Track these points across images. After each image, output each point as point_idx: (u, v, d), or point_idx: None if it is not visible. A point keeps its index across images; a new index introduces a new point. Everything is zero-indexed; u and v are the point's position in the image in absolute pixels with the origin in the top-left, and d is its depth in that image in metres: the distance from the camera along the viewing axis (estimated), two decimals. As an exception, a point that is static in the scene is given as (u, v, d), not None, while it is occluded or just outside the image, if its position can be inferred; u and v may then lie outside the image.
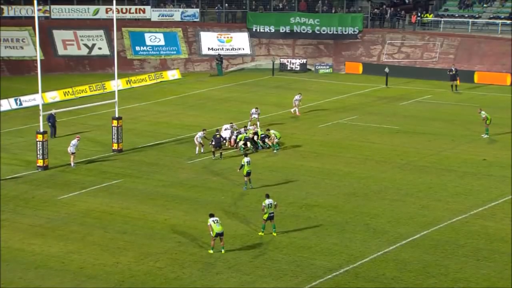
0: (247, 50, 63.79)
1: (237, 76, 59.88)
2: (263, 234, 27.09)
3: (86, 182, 32.88)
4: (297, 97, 45.68)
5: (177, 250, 26.14)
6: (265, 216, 26.98)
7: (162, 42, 62.55)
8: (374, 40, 63.57)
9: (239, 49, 63.58)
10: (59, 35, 60.29)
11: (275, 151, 36.39)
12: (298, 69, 61.43)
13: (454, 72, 54.16)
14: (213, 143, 36.19)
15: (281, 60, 61.92)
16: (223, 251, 25.63)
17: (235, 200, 31.31)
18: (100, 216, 29.21)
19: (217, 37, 63.59)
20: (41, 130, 35.01)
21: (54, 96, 50.29)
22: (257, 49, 63.99)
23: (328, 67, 61.98)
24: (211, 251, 25.68)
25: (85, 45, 60.89)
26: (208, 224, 25.68)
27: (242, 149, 36.84)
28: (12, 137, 40.72)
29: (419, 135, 41.84)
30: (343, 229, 28.12)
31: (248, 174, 31.91)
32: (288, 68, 61.45)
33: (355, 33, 63.83)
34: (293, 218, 29.27)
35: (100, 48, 61.01)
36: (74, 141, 34.76)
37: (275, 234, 27.06)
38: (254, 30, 63.95)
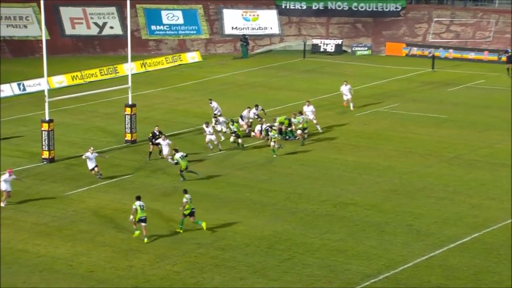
0: (275, 30, 63.70)
1: (263, 59, 59.84)
2: (181, 231, 27.40)
3: (96, 176, 33.13)
4: (344, 87, 43.84)
5: (197, 252, 26.28)
6: (187, 211, 27.38)
7: (181, 21, 62.73)
8: (419, 18, 63.02)
9: (266, 28, 63.51)
10: (67, 13, 60.75)
11: (277, 146, 35.98)
12: (332, 50, 61.21)
13: (510, 53, 53.52)
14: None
15: (314, 40, 61.74)
16: (146, 240, 26.40)
17: (261, 197, 31.37)
18: (111, 214, 29.47)
19: (242, 15, 63.59)
20: (47, 118, 35.37)
21: (61, 80, 50.76)
22: (287, 29, 63.87)
23: (366, 48, 61.64)
24: (136, 233, 26.55)
25: (95, 23, 61.28)
26: (134, 207, 26.52)
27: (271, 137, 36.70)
28: (14, 126, 41.21)
29: (469, 125, 41.47)
30: (382, 231, 28.01)
31: (186, 168, 32.41)
32: (321, 49, 61.26)
33: (398, 10, 63.32)
34: (326, 218, 29.25)
35: (111, 27, 61.37)
36: (5, 176, 29.92)
37: (204, 227, 27.40)
38: (283, 7, 63.80)
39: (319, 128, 39.96)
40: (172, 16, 62.69)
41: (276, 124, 38.31)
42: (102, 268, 24.92)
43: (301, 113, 39.16)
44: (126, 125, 38.37)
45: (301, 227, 28.47)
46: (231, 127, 37.21)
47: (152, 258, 25.68)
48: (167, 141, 34.57)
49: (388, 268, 25.01)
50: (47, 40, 35.15)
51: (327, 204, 30.62)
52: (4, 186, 29.72)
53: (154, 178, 33.43)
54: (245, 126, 39.25)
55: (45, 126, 35.31)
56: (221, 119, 38.69)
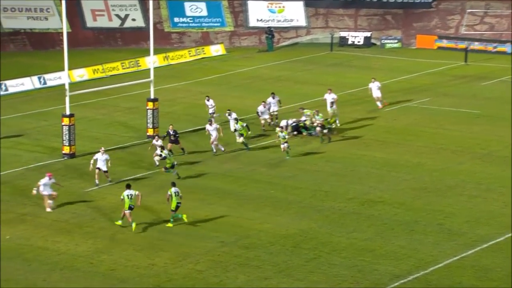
0: (302, 22, 63.51)
1: (289, 52, 59.71)
2: (172, 225, 27.90)
3: (117, 172, 33.31)
4: (372, 85, 43.18)
5: (220, 251, 26.31)
6: (173, 205, 27.93)
7: (205, 13, 62.80)
8: (452, 9, 62.45)
9: (292, 20, 63.36)
10: (88, 5, 61.08)
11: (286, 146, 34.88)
12: (361, 43, 60.89)
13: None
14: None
15: (341, 33, 61.47)
16: (134, 225, 27.30)
17: (286, 195, 31.31)
18: (132, 212, 29.56)
19: (268, 6, 63.48)
20: (67, 112, 35.58)
21: (82, 74, 51.07)
22: (314, 21, 63.65)
23: (396, 41, 61.24)
24: (119, 222, 27.49)
25: (117, 15, 61.56)
26: (121, 198, 27.54)
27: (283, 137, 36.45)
28: (35, 121, 41.54)
29: (503, 121, 41.02)
30: (412, 230, 27.83)
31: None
32: (349, 42, 60.97)
33: (429, 1, 62.82)
34: (354, 216, 29.12)
35: (134, 20, 61.61)
36: (44, 180, 29.57)
37: (184, 218, 27.90)
38: (310, -2, 63.60)
39: (337, 121, 39.68)
40: (195, 8, 62.76)
41: (303, 118, 38.02)
42: (123, 267, 25.03)
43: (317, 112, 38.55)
44: (148, 120, 38.49)
45: (327, 225, 28.37)
46: (236, 126, 36.42)
47: (174, 257, 25.75)
48: (160, 142, 33.65)
49: (418, 268, 24.84)
50: (68, 33, 35.33)
51: (354, 202, 30.48)
52: (44, 190, 29.19)
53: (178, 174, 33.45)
54: (263, 122, 38.53)
55: (65, 121, 35.52)
56: (233, 115, 37.60)
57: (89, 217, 28.98)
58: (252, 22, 63.16)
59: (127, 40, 60.80)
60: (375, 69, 52.80)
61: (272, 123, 39.34)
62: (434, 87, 48.36)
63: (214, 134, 35.76)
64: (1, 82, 47.12)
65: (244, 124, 36.48)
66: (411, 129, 39.96)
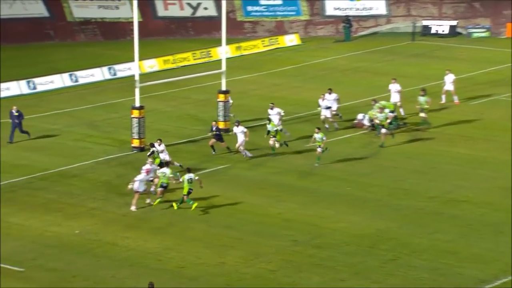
0: (382, 10, 62.82)
1: (368, 42, 59.19)
2: (176, 207, 29.09)
3: (187, 166, 33.59)
4: (447, 78, 42.33)
5: (292, 250, 26.34)
6: (185, 191, 28.89)
7: (279, 1, 62.78)
8: (545, -5, 60.67)
9: (371, 8, 62.73)
10: (160, -7, 61.86)
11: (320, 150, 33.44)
12: (445, 32, 59.86)
13: None
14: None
15: (424, 22, 60.53)
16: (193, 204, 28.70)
17: (362, 192, 31.10)
18: (202, 207, 29.89)
19: (345, -6, 63.05)
20: (137, 104, 36.17)
21: (152, 64, 51.80)
22: (394, 9, 62.87)
23: (484, 30, 59.95)
24: (176, 206, 28.85)
25: (189, 4, 62.14)
26: (181, 180, 28.87)
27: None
28: (104, 112, 42.38)
29: None
30: (499, 232, 27.30)
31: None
32: (433, 31, 60.00)
33: (520, -14, 61.23)
34: (435, 216, 28.73)
35: (206, 8, 62.11)
36: (140, 176, 29.81)
37: (176, 207, 29.05)
38: (390, -16, 62.87)
39: (402, 112, 38.95)
40: (269, -4, 62.82)
41: (376, 111, 37.43)
42: (192, 264, 25.35)
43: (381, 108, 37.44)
44: (219, 113, 38.76)
45: (407, 225, 28.07)
46: (268, 126, 34.76)
47: (245, 255, 25.92)
48: (162, 146, 32.75)
49: (505, 273, 24.38)
50: (139, 22, 35.86)
51: (436, 201, 30.06)
52: (139, 187, 29.36)
53: (247, 169, 33.67)
54: (322, 117, 37.69)
55: (135, 113, 36.08)
56: (276, 110, 36.39)
57: (158, 212, 29.43)
58: (329, 11, 62.82)
59: (198, 30, 61.35)
60: (461, 59, 51.88)
61: (334, 122, 38.14)
62: (525, 79, 47.20)
63: (241, 138, 34.08)
64: (72, 72, 48.25)
65: (280, 128, 35.02)
66: (500, 124, 39.13)
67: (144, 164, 30.36)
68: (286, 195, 30.94)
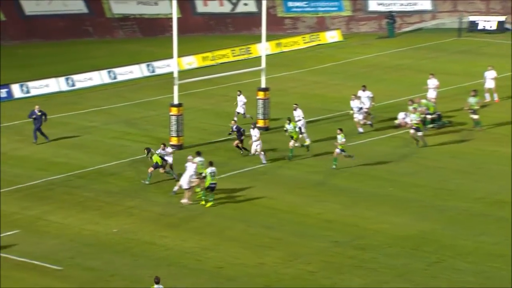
0: (427, 5, 62.31)
1: (412, 38, 58.77)
2: (204, 203, 29.50)
3: (226, 165, 33.80)
4: (488, 73, 41.88)
5: (333, 251, 26.30)
6: (206, 184, 29.21)
7: (321, -3, 62.65)
8: None
9: (416, 4, 62.25)
10: (200, -12, 62.07)
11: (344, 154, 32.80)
12: (493, 28, 59.15)
13: None
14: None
15: (471, 17, 59.87)
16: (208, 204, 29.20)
17: (405, 193, 30.92)
18: (241, 207, 30.00)
19: (389, -11, 62.65)
20: (175, 102, 36.39)
21: (191, 61, 52.05)
22: (440, 4, 62.30)
23: (533, 25, 59.13)
24: (204, 202, 29.32)
25: (229, 0, 62.30)
26: (204, 175, 28.97)
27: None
28: (142, 110, 42.71)
29: None
30: (547, 235, 26.95)
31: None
32: (480, 27, 59.32)
33: None
34: (481, 218, 28.46)
35: (245, 4, 62.21)
36: (191, 164, 29.97)
37: (208, 205, 29.40)
38: (436, -21, 62.36)
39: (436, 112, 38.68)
40: (311, -9, 62.69)
41: (419, 108, 37.04)
42: (231, 265, 25.45)
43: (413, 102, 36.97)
44: (258, 111, 38.82)
45: (451, 227, 27.85)
46: (288, 126, 34.20)
47: (284, 256, 25.95)
48: (169, 149, 32.55)
49: (552, 277, 24.04)
50: (178, 18, 36.06)
51: (482, 202, 29.77)
52: (186, 183, 29.61)
53: (287, 168, 33.68)
54: (356, 120, 37.36)
55: (174, 111, 36.29)
56: (299, 111, 35.83)
57: (196, 212, 29.60)
58: (372, 6, 62.48)
59: (238, 26, 61.47)
60: (509, 57, 51.12)
61: (368, 122, 37.72)
62: None
63: (258, 141, 33.58)
64: (110, 69, 48.70)
65: (298, 127, 34.40)
66: (548, 123, 38.56)
67: (186, 161, 30.45)
68: (326, 195, 30.89)
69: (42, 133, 36.66)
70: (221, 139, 37.22)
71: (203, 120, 40.40)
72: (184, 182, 29.79)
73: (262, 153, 33.97)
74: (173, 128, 36.22)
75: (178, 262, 25.66)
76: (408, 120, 37.90)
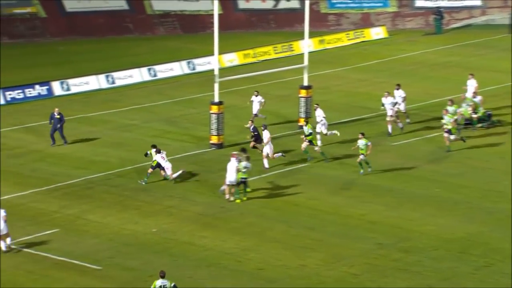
0: (477, 1, 61.63)
1: (461, 35, 58.17)
2: (239, 201, 29.86)
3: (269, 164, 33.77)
4: None
5: (377, 253, 26.14)
6: (238, 177, 29.57)
7: (365, -8, 62.37)
8: None
9: (465, -1, 61.69)
10: (242, -15, 62.26)
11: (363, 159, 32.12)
12: (545, 24, 58.26)
13: None
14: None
15: (522, 12, 59.15)
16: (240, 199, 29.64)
17: (452, 194, 30.60)
18: (282, 207, 29.96)
19: (436, -16, 62.13)
20: (216, 100, 36.48)
21: (232, 59, 52.18)
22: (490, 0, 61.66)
23: None
24: (239, 200, 29.64)
25: (271, -4, 62.38)
26: (239, 169, 29.32)
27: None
28: (183, 108, 42.92)
29: None
30: None
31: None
32: (531, 23, 58.50)
33: None
34: (531, 221, 28.05)
35: (288, 0, 62.17)
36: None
37: (238, 201, 29.73)
38: (486, -27, 61.66)
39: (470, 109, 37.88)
40: (355, -14, 62.45)
41: (460, 109, 36.45)
42: (272, 266, 25.42)
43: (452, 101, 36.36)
44: (301, 109, 38.75)
45: (500, 230, 27.49)
46: (304, 128, 33.63)
47: (327, 258, 25.85)
48: (164, 155, 31.94)
49: None
50: (219, 15, 36.13)
51: (532, 204, 29.33)
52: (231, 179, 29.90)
53: (329, 168, 33.55)
54: (388, 118, 36.87)
55: (214, 109, 36.38)
56: (319, 111, 35.39)
57: (236, 212, 29.63)
58: (419, 2, 62.02)
59: (280, 23, 61.47)
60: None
61: (399, 122, 37.13)
62: None
63: (269, 145, 33.04)
64: (151, 67, 49.03)
65: (311, 130, 33.78)
66: None
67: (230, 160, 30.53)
68: (370, 196, 30.70)
69: (62, 136, 36.23)
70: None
71: (244, 119, 40.42)
72: (231, 179, 29.93)
73: (276, 155, 33.39)
74: (213, 126, 36.31)
75: (218, 263, 25.71)
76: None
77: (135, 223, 28.60)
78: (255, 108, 38.70)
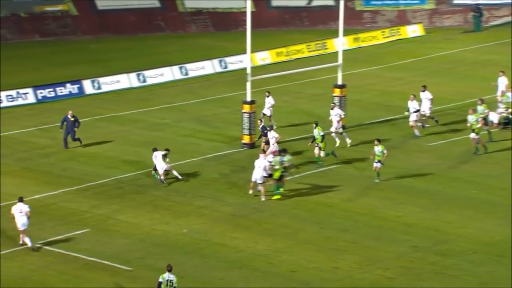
0: (517, -3, 61.04)
1: (500, 33, 57.64)
2: (279, 196, 30.10)
3: (298, 165, 33.70)
4: None
5: (412, 256, 26.01)
6: (276, 175, 29.91)
7: (401, -11, 62.08)
8: None
9: (505, -5, 61.12)
10: (275, -18, 62.24)
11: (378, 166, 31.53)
12: None
13: None
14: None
15: None
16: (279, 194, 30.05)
17: (491, 196, 30.35)
18: (314, 209, 29.93)
19: (476, -20, 61.66)
20: (248, 99, 36.54)
21: (264, 57, 52.22)
22: (530, -4, 61.00)
23: None
24: (276, 196, 29.92)
25: (305, -7, 62.32)
26: (273, 165, 29.86)
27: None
28: (214, 107, 43.04)
29: None
30: None
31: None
32: None
33: None
34: None
35: (322, -3, 62.09)
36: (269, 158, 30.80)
37: (274, 197, 30.02)
38: (528, -32, 61.01)
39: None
40: (391, -16, 62.19)
41: (486, 110, 35.89)
42: (304, 268, 25.42)
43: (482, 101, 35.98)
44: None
45: (540, 234, 27.21)
46: (314, 131, 33.22)
47: (361, 260, 25.78)
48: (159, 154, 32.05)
49: None
50: (251, 12, 36.19)
51: None
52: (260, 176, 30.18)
53: (363, 169, 33.41)
54: (411, 123, 36.41)
55: (246, 108, 36.44)
56: (336, 110, 35.45)
57: (268, 213, 29.65)
58: (457, -1, 61.60)
59: (314, 20, 61.40)
60: None
61: (424, 125, 36.88)
62: None
63: (275, 144, 32.80)
64: (182, 65, 49.22)
65: (322, 134, 33.13)
66: None
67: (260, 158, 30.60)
68: (406, 197, 30.56)
69: (75, 139, 35.84)
70: (294, 138, 37.16)
71: (276, 118, 40.41)
72: (257, 176, 30.17)
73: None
74: (245, 126, 36.37)
75: (250, 264, 25.75)
76: (493, 119, 37.14)
77: (166, 223, 28.75)
78: (267, 109, 38.09)
